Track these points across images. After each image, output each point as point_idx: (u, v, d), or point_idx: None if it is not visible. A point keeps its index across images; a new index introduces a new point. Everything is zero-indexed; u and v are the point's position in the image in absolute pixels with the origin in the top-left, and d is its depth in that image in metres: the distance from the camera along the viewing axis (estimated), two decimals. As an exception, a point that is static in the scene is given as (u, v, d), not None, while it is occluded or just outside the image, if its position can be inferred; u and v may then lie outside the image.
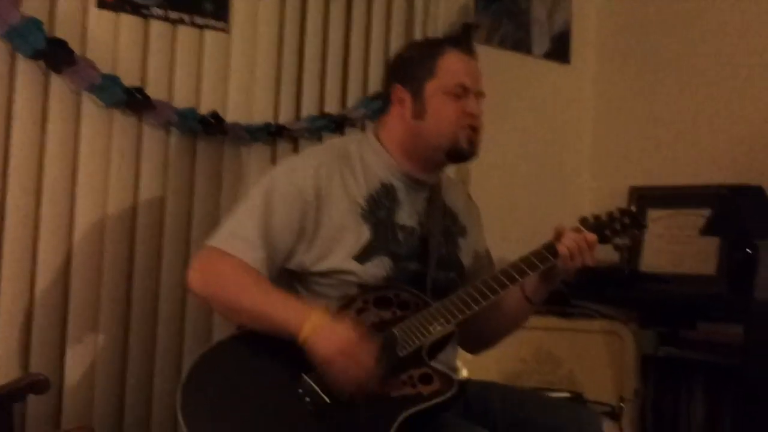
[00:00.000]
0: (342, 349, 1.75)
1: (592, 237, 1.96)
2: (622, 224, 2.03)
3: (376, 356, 1.77)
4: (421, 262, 1.99)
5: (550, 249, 1.94)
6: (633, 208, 3.14)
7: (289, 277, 1.97)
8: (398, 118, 2.01)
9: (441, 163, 2.04)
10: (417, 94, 1.99)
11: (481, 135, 2.01)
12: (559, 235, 1.95)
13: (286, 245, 1.92)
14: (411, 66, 2.02)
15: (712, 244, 2.99)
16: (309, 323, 1.76)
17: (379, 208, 1.97)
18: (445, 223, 2.07)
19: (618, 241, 2.04)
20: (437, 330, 1.85)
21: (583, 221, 2.01)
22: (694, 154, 3.22)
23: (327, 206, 1.92)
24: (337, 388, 1.76)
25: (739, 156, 3.09)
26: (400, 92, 2.01)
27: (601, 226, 2.01)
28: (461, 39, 2.04)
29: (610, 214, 2.04)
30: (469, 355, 2.25)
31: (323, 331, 1.76)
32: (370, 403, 1.77)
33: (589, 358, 2.83)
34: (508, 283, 1.91)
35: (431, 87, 1.97)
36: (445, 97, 1.97)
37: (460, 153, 2.00)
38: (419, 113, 1.98)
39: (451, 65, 1.98)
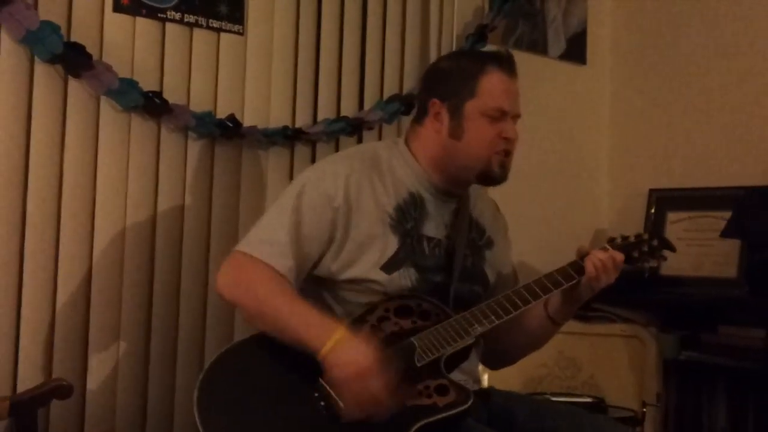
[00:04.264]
0: (358, 374, 1.71)
1: (619, 256, 1.95)
2: (651, 247, 2.02)
3: (391, 386, 1.73)
4: (446, 274, 1.98)
5: (576, 266, 1.94)
6: (653, 220, 3.13)
7: (316, 284, 1.97)
8: (433, 132, 2.00)
9: (470, 182, 2.03)
10: (455, 113, 1.97)
11: (513, 158, 2.00)
12: (582, 254, 1.95)
13: (315, 252, 1.92)
14: (451, 81, 1.99)
15: (732, 246, 2.96)
16: (330, 342, 1.74)
17: (406, 219, 1.96)
18: (470, 236, 2.06)
19: (645, 264, 2.03)
20: (456, 342, 1.84)
21: (611, 241, 2.00)
22: (714, 155, 3.19)
23: (356, 214, 1.92)
24: (348, 410, 1.73)
25: (760, 157, 3.06)
26: (438, 107, 1.99)
27: (629, 247, 2.00)
28: (504, 57, 1.99)
29: (638, 236, 2.03)
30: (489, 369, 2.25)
31: (342, 352, 1.73)
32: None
33: (610, 362, 2.82)
34: (530, 299, 1.90)
35: (471, 107, 1.95)
36: (484, 119, 1.95)
37: (491, 177, 1.99)
38: (456, 133, 1.97)
39: (492, 86, 1.96)
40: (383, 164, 2.00)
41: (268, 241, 1.89)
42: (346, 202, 1.91)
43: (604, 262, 1.92)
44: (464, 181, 2.03)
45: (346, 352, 1.73)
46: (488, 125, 1.95)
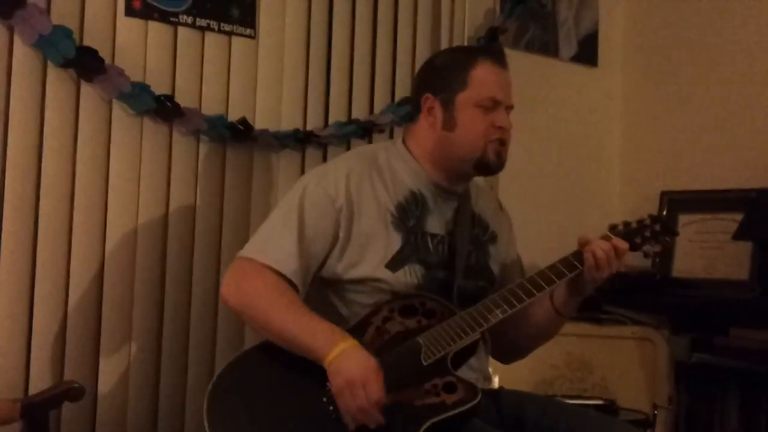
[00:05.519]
0: (349, 384, 1.73)
1: (623, 245, 1.93)
2: (653, 231, 2.00)
3: (380, 401, 1.73)
4: (449, 270, 1.98)
5: (578, 257, 1.92)
6: (664, 215, 3.13)
7: (322, 285, 1.97)
8: (428, 127, 2.01)
9: (468, 174, 2.03)
10: (448, 105, 1.98)
11: (508, 147, 2.01)
12: (584, 244, 1.93)
13: (321, 253, 1.92)
14: (443, 75, 2.00)
15: (744, 248, 2.94)
16: (336, 350, 1.75)
17: (408, 216, 1.97)
18: (473, 232, 2.06)
19: (648, 248, 2.01)
20: (462, 338, 1.83)
21: (613, 228, 1.99)
22: (726, 157, 3.17)
23: (358, 213, 1.93)
24: (343, 416, 1.75)
25: (772, 160, 3.05)
26: (431, 101, 2.00)
27: (631, 234, 1.99)
28: (494, 49, 2.01)
29: (640, 222, 2.01)
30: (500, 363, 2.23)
31: (342, 362, 1.74)
32: (393, 411, 1.75)
33: (621, 364, 2.81)
34: (534, 291, 1.89)
35: (462, 98, 1.97)
36: (476, 109, 1.96)
37: (488, 166, 1.99)
38: (449, 124, 1.98)
39: (483, 77, 1.97)
40: (382, 164, 2.01)
41: (272, 245, 1.89)
42: (348, 201, 1.92)
43: (605, 252, 1.89)
44: (462, 174, 2.02)
45: (346, 362, 1.74)
46: (481, 115, 1.96)
